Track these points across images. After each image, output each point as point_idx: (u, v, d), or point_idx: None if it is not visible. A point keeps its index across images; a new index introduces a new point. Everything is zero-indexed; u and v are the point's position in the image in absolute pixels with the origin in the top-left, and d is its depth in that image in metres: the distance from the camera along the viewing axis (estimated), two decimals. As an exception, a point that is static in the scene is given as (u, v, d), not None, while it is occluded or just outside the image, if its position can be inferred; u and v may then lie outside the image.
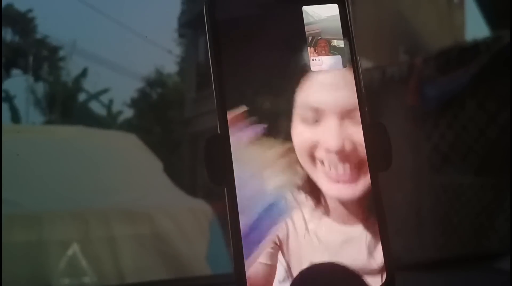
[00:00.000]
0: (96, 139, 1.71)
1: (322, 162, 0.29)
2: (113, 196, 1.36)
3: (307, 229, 0.29)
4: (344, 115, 0.29)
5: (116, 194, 1.37)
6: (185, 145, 7.04)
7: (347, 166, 0.29)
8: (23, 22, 7.41)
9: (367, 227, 0.29)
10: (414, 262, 0.76)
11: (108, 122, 8.50)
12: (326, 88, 0.30)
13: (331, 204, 0.29)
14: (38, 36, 7.94)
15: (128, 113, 9.12)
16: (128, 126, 8.51)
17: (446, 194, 1.76)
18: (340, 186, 0.29)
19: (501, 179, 1.57)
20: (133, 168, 1.59)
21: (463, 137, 1.73)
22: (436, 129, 1.82)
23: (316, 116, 0.29)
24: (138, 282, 1.09)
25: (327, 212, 0.29)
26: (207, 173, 0.28)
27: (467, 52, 1.78)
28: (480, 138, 1.68)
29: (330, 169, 0.29)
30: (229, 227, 0.28)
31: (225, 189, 0.28)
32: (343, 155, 0.29)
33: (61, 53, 8.22)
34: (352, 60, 0.30)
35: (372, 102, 0.30)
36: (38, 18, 7.75)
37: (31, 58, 7.70)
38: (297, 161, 0.29)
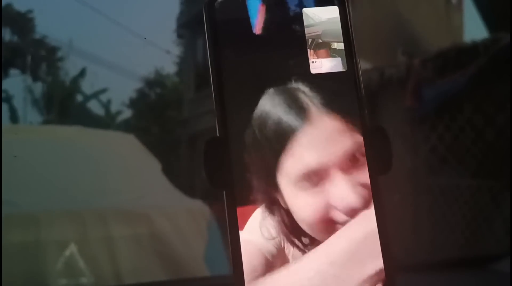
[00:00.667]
0: (94, 139, 1.70)
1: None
2: (111, 196, 1.35)
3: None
4: (346, 165, 0.29)
5: (114, 194, 1.37)
6: (184, 145, 7.03)
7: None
8: (21, 22, 7.40)
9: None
10: (411, 264, 0.76)
11: (106, 122, 8.48)
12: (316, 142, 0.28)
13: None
14: (37, 36, 7.93)
15: (127, 113, 9.11)
16: (126, 126, 8.49)
17: (443, 195, 1.76)
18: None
19: (498, 181, 1.57)
20: (131, 169, 1.58)
21: (461, 139, 1.73)
22: (434, 131, 1.82)
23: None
24: (136, 283, 1.08)
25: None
26: (207, 177, 0.28)
27: (465, 53, 1.78)
28: (477, 140, 1.68)
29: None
30: (228, 230, 0.28)
31: (224, 192, 0.28)
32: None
33: (60, 53, 8.22)
34: (352, 63, 0.30)
35: (370, 104, 0.30)
36: (36, 18, 7.74)
37: (29, 58, 7.68)
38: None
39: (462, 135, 1.73)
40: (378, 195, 0.29)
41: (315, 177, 0.28)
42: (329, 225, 0.28)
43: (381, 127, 0.29)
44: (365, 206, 0.28)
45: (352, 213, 0.28)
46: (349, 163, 0.28)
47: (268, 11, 0.30)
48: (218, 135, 0.28)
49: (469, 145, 1.70)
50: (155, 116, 8.22)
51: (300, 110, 0.28)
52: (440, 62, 1.84)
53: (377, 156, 0.29)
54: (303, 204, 0.28)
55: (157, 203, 1.40)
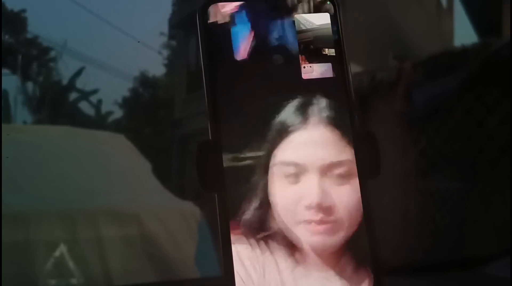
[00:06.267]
0: (84, 139, 1.70)
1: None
2: (101, 197, 1.35)
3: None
4: (326, 170, 0.29)
5: (104, 195, 1.36)
6: (175, 146, 7.01)
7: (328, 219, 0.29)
8: (14, 22, 7.34)
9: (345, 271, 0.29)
10: (400, 267, 0.77)
11: (97, 122, 8.43)
12: (307, 144, 0.29)
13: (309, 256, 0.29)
14: (29, 36, 7.87)
15: (118, 113, 9.06)
16: (117, 127, 8.45)
17: (433, 198, 1.77)
18: (320, 238, 0.29)
19: (488, 184, 1.58)
20: (121, 169, 1.58)
21: (451, 142, 1.74)
22: (424, 134, 1.83)
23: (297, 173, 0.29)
24: (126, 285, 1.08)
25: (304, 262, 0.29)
26: (198, 180, 0.28)
27: (456, 58, 1.79)
28: (467, 144, 1.69)
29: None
30: (219, 234, 0.28)
31: (216, 195, 0.28)
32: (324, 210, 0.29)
33: (52, 53, 8.16)
34: (343, 68, 0.30)
35: (360, 107, 0.31)
36: (29, 18, 7.68)
37: (20, 58, 7.62)
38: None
39: (452, 138, 1.74)
40: (368, 198, 0.29)
41: (294, 172, 0.29)
42: (299, 222, 0.29)
43: (371, 132, 0.30)
44: (331, 213, 0.29)
45: (315, 213, 0.29)
46: (329, 170, 0.29)
47: (261, 17, 0.30)
48: (210, 138, 0.29)
49: (459, 148, 1.71)
50: (147, 117, 8.19)
51: (295, 113, 0.29)
52: (430, 66, 1.85)
53: (366, 161, 0.30)
54: (280, 195, 0.29)
55: (147, 204, 1.40)
